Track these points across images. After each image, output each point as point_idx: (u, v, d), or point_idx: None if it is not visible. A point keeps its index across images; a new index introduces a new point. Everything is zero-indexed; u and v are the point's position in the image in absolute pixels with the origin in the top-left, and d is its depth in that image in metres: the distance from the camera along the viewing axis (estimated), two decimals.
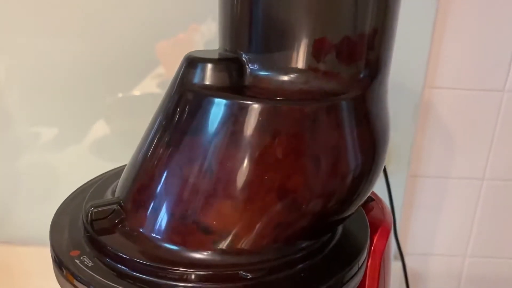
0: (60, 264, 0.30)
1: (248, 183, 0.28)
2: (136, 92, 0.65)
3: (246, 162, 0.27)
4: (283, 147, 0.28)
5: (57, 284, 0.68)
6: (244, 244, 0.28)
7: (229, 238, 0.28)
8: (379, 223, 0.36)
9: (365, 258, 0.33)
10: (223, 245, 0.28)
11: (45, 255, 0.73)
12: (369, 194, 0.33)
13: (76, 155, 0.69)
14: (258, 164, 0.28)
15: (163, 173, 0.29)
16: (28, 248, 0.73)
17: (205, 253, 0.28)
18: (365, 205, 0.38)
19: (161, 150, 0.29)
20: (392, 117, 0.33)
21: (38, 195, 0.73)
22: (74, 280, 0.29)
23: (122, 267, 0.29)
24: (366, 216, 0.36)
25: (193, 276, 0.27)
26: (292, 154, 0.28)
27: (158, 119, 0.31)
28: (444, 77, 0.62)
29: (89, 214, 0.31)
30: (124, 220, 0.31)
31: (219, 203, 0.28)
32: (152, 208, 0.29)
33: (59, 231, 0.33)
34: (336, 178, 0.29)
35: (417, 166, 0.67)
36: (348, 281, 0.30)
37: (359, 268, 0.32)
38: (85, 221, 0.32)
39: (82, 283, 0.28)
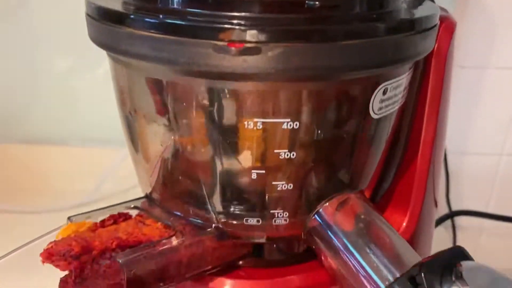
0: None
1: None
2: None
3: None
4: None
5: (76, 184, 0.65)
6: None
7: None
8: (442, 19, 0.33)
9: (435, 25, 0.29)
10: None
11: (65, 154, 0.71)
12: None
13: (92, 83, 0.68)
14: None
15: None
16: (48, 147, 0.71)
17: None
18: None
19: None
20: None
21: (58, 99, 0.71)
22: None
23: None
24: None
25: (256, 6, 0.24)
26: None
27: None
28: None
29: None
30: None
31: None
32: None
33: None
34: None
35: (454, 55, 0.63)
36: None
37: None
38: None
39: None
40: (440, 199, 0.63)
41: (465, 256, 0.24)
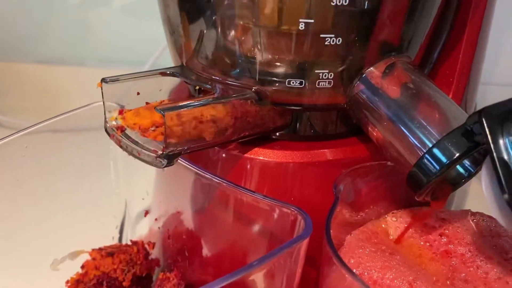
0: None
1: None
2: None
3: None
4: None
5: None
6: None
7: None
8: None
9: None
10: None
11: (83, 75, 0.70)
12: None
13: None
14: None
15: None
16: (65, 68, 0.70)
17: None
18: None
19: None
20: None
21: (73, 19, 0.69)
22: None
23: None
24: None
25: None
26: None
27: None
28: None
29: None
30: None
31: None
32: None
33: None
34: None
35: None
36: None
37: None
38: None
39: None
40: None
41: None
